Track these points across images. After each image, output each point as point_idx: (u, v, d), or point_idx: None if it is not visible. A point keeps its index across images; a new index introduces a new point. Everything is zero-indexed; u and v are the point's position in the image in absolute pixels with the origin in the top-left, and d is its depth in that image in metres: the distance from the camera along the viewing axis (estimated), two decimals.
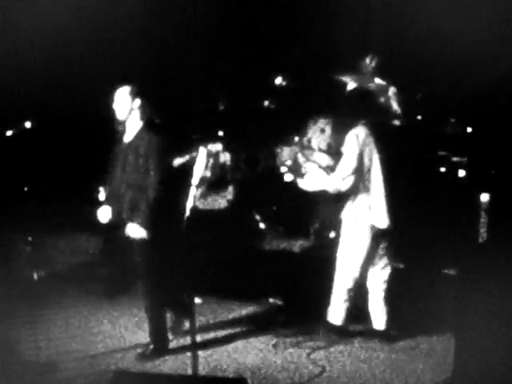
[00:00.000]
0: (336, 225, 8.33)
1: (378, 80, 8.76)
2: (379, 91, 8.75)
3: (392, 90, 8.73)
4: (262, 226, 8.65)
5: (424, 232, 7.77)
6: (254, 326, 7.18)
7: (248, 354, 6.68)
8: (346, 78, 8.75)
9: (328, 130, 8.69)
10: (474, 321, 5.91)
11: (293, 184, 8.50)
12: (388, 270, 6.82)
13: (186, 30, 9.83)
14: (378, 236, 6.71)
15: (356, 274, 6.76)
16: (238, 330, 7.13)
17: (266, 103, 9.09)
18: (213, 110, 9.47)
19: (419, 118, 8.64)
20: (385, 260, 6.82)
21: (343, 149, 6.73)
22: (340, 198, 6.83)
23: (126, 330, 7.18)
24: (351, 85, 8.76)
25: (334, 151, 8.69)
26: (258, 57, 9.66)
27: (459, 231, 7.29)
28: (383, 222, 6.65)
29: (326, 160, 8.65)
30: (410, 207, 7.55)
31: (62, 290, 6.78)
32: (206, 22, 10.03)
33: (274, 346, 6.83)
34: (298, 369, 6.40)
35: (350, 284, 6.79)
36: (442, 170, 8.34)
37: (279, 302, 7.64)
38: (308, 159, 8.71)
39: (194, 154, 7.86)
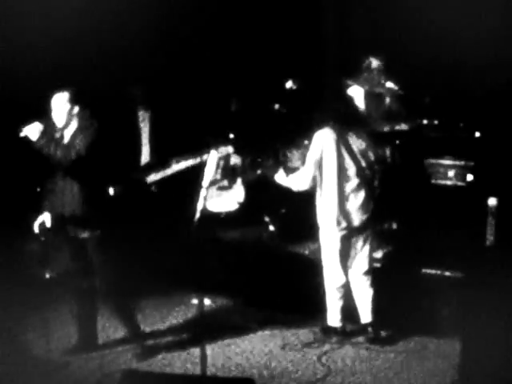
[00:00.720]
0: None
1: (386, 83, 8.78)
2: (387, 94, 8.79)
3: (399, 93, 8.75)
4: (271, 227, 8.68)
5: (430, 234, 7.77)
6: (262, 327, 7.22)
7: (256, 355, 6.73)
8: (354, 82, 8.79)
9: None
10: (481, 323, 5.95)
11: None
12: (364, 269, 6.88)
13: (198, 32, 9.87)
14: (347, 235, 6.78)
15: (338, 272, 6.83)
16: (245, 330, 7.17)
17: (277, 106, 9.12)
18: (224, 112, 9.51)
19: (426, 121, 8.63)
20: (359, 259, 6.88)
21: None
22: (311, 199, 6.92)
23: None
24: (358, 88, 8.81)
25: None
26: (268, 60, 9.70)
27: (464, 234, 7.30)
28: (341, 223, 6.72)
29: None
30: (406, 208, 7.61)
31: (74, 288, 6.82)
32: (216, 24, 10.07)
33: (282, 347, 6.88)
34: (304, 370, 6.45)
35: (337, 283, 6.86)
36: (451, 174, 8.36)
37: (287, 303, 7.67)
38: None
39: (204, 155, 7.91)
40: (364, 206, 6.76)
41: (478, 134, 8.43)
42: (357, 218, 6.76)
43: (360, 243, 6.87)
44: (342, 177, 6.69)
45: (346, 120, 6.77)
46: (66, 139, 6.33)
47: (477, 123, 8.52)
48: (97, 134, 6.31)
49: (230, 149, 8.66)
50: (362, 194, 6.74)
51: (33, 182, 6.61)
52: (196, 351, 6.28)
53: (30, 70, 8.24)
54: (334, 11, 9.71)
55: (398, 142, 8.46)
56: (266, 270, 8.06)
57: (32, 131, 6.24)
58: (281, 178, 7.01)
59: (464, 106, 8.56)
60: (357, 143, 6.72)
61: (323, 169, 6.70)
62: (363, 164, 6.72)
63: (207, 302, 7.49)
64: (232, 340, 6.96)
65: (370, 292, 6.90)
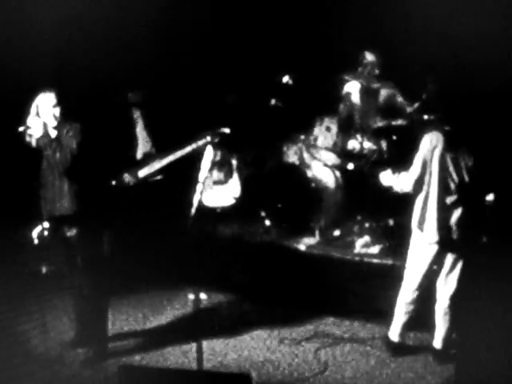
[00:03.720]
0: (341, 223, 8.45)
1: (383, 80, 8.78)
2: (387, 91, 8.78)
3: (397, 90, 8.75)
4: (267, 222, 8.68)
5: None
6: (259, 322, 7.21)
7: (252, 350, 6.74)
8: (351, 77, 8.78)
9: (334, 128, 8.73)
10: (478, 319, 5.96)
11: (308, 179, 8.56)
12: (451, 291, 6.37)
13: (195, 28, 9.85)
14: (438, 251, 6.29)
15: (415, 286, 6.42)
16: (242, 325, 7.17)
17: (273, 101, 9.11)
18: (220, 107, 9.49)
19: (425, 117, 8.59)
20: (448, 280, 6.38)
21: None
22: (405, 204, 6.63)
23: (134, 323, 7.28)
24: (356, 84, 8.80)
25: (340, 149, 8.75)
26: (265, 55, 9.68)
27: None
28: (433, 236, 6.27)
29: (331, 158, 8.70)
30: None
31: (70, 283, 6.82)
32: (212, 20, 10.05)
33: (279, 342, 6.88)
34: (301, 365, 6.46)
35: (409, 297, 6.46)
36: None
37: (283, 298, 7.66)
38: (314, 157, 8.74)
39: (199, 148, 7.89)
40: (461, 224, 6.22)
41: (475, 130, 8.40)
42: (451, 235, 6.23)
43: (451, 262, 6.33)
44: (443, 188, 6.21)
45: (460, 132, 6.30)
46: (60, 140, 6.34)
47: (474, 119, 8.50)
48: (85, 133, 6.32)
49: (226, 130, 8.55)
50: (460, 211, 6.21)
51: (30, 178, 6.61)
52: (193, 346, 6.28)
53: (27, 71, 8.24)
54: (331, 4, 9.68)
55: (394, 137, 8.44)
56: (263, 264, 8.06)
57: (36, 127, 6.27)
58: (386, 177, 6.58)
59: (462, 101, 8.54)
60: (465, 158, 6.23)
61: (428, 174, 6.25)
62: (466, 180, 6.21)
63: (203, 297, 7.48)
64: (229, 335, 6.96)
65: (450, 317, 6.41)
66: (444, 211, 6.22)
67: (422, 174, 6.26)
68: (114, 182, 8.05)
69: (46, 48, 8.62)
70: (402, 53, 9.02)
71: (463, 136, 6.28)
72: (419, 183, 6.29)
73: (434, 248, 6.30)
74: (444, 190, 6.22)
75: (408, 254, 6.49)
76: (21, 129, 6.29)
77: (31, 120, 6.29)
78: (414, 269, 6.43)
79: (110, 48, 9.01)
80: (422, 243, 6.34)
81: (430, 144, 6.24)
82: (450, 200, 6.23)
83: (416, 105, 8.47)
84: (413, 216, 6.41)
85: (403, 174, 6.42)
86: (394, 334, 6.60)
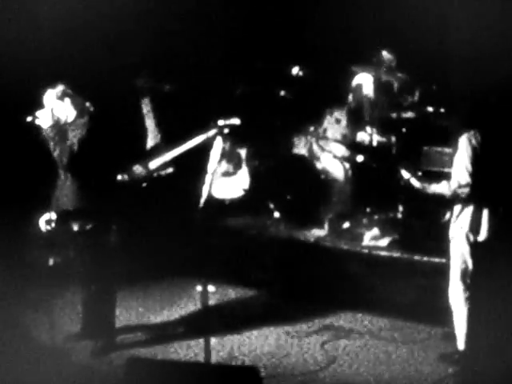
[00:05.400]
0: (350, 215, 8.42)
1: (395, 72, 8.75)
2: (399, 83, 8.76)
3: (409, 82, 8.72)
4: (276, 214, 8.67)
5: (434, 222, 7.70)
6: (266, 315, 7.22)
7: (259, 343, 6.73)
8: (362, 70, 8.77)
9: (343, 120, 8.72)
10: (483, 311, 5.96)
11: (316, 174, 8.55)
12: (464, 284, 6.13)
13: (204, 19, 9.83)
14: (472, 251, 6.01)
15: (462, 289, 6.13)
16: (250, 318, 7.18)
17: (283, 93, 9.08)
18: (229, 98, 9.48)
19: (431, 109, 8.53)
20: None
21: (457, 154, 5.92)
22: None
23: (140, 316, 7.29)
24: (367, 75, 8.78)
25: (349, 141, 8.74)
26: (275, 46, 9.65)
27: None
28: (481, 235, 5.96)
29: (340, 150, 8.69)
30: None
31: (78, 276, 6.83)
32: (223, 10, 10.03)
33: (286, 335, 6.87)
34: (308, 359, 6.45)
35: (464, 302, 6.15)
36: None
37: (291, 291, 7.66)
38: (323, 149, 8.74)
39: (209, 140, 7.88)
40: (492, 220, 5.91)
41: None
42: (497, 241, 5.93)
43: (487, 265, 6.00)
44: (491, 192, 5.88)
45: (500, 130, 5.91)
46: (65, 135, 6.35)
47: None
48: (93, 125, 6.32)
49: (235, 121, 8.53)
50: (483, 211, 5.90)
51: (39, 173, 6.64)
52: (200, 339, 6.27)
53: (31, 64, 8.25)
54: None
55: (404, 129, 8.40)
56: (271, 257, 8.05)
57: (45, 117, 6.29)
58: (428, 187, 6.20)
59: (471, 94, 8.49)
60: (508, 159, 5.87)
61: (478, 179, 5.85)
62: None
63: (211, 289, 7.48)
64: (236, 328, 6.95)
65: (466, 312, 6.12)
66: (494, 217, 5.91)
67: (473, 174, 5.85)
68: (125, 174, 8.06)
69: (55, 40, 8.63)
70: (412, 43, 8.99)
71: (504, 134, 5.92)
72: (466, 189, 5.88)
73: (470, 248, 6.02)
74: (491, 194, 5.89)
75: (452, 259, 6.18)
76: (28, 119, 6.31)
77: (40, 111, 6.32)
78: (460, 273, 6.13)
79: (119, 37, 8.99)
80: (471, 248, 6.02)
81: (471, 143, 5.84)
82: (499, 205, 5.91)
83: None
84: (459, 222, 6.06)
85: (444, 182, 6.02)
86: (461, 342, 6.19)
